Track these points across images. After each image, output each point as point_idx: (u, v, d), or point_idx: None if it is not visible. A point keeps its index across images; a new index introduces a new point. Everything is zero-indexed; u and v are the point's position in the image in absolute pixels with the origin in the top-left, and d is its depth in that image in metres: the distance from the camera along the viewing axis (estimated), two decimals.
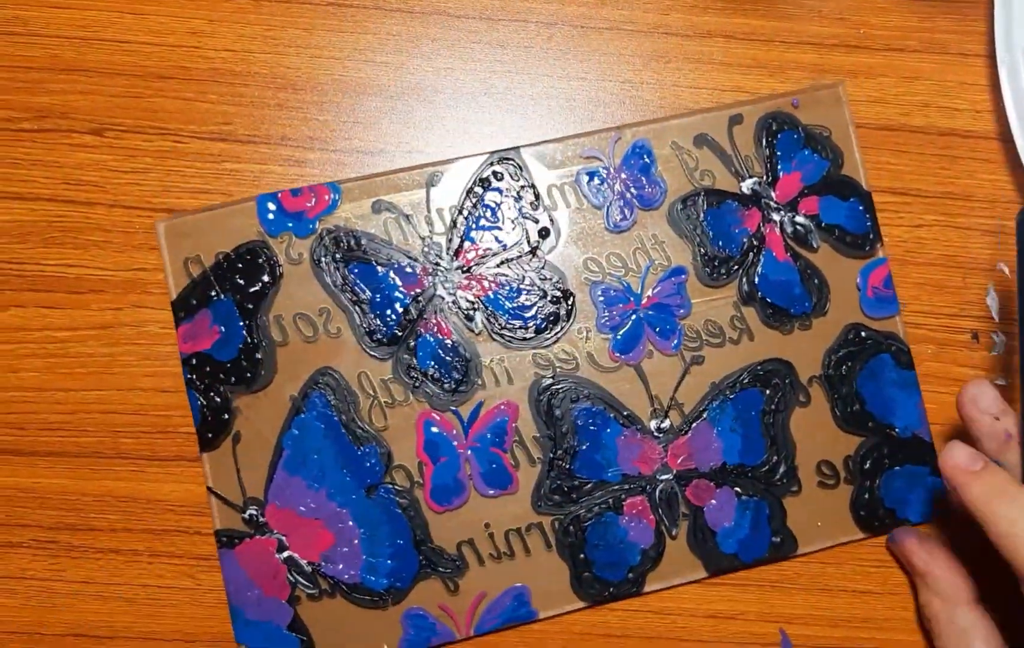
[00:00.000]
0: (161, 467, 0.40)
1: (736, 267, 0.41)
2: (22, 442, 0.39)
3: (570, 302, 0.41)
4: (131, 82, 0.41)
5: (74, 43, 0.41)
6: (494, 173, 0.41)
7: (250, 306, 0.39)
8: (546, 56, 0.42)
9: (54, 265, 0.40)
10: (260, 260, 0.40)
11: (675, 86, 0.42)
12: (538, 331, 0.40)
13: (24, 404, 0.39)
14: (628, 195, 0.41)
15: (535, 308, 0.40)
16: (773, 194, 0.42)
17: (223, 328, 0.39)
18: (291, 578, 0.39)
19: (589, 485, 0.40)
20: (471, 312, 0.40)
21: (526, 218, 0.41)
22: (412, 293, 0.40)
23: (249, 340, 0.39)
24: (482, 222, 0.41)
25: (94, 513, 0.39)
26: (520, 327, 0.40)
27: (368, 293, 0.40)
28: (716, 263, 0.41)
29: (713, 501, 0.40)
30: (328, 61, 0.42)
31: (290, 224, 0.40)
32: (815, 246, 0.42)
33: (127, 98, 0.41)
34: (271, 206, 0.40)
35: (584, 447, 0.40)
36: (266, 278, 0.39)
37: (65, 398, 0.39)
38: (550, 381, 0.40)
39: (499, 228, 0.41)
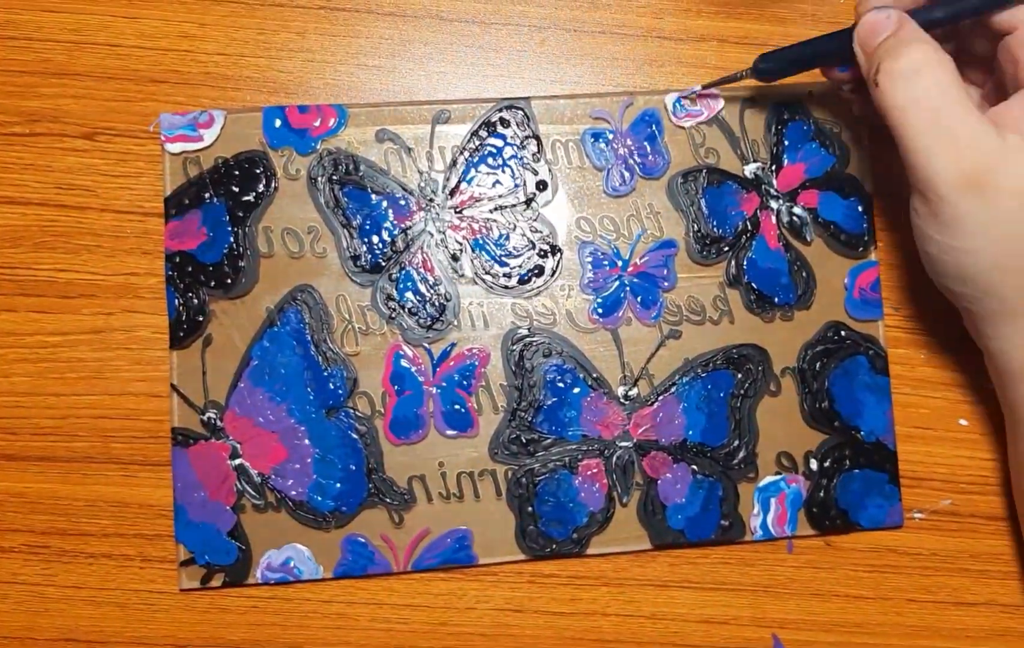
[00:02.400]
0: (153, 472, 0.39)
1: (727, 248, 0.41)
2: (13, 447, 0.39)
3: (557, 258, 0.41)
4: (123, 86, 0.41)
5: (66, 47, 0.41)
6: (501, 119, 0.41)
7: (241, 214, 0.40)
8: (539, 60, 0.42)
9: (45, 270, 0.40)
10: (258, 170, 0.40)
11: (668, 90, 0.42)
12: (521, 281, 0.41)
13: (15, 409, 0.39)
14: (631, 161, 0.41)
15: (522, 258, 0.41)
16: (775, 181, 0.42)
17: (211, 232, 0.40)
18: (239, 486, 0.39)
19: (548, 441, 0.40)
20: (457, 252, 0.40)
21: (526, 168, 0.41)
22: (402, 225, 0.40)
23: (235, 246, 0.40)
24: (482, 166, 0.41)
25: (85, 518, 0.39)
26: (504, 274, 0.40)
27: (359, 218, 0.40)
28: (708, 241, 0.41)
29: (668, 475, 0.40)
30: (320, 65, 0.41)
31: (292, 140, 0.40)
32: (808, 239, 0.42)
33: (119, 102, 0.41)
34: (277, 119, 0.40)
35: (549, 403, 0.40)
36: (261, 189, 0.40)
37: (56, 403, 0.39)
38: (525, 333, 0.40)
39: (498, 174, 0.41)
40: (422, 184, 0.41)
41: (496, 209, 0.41)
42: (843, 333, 0.41)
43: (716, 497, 0.40)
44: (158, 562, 0.39)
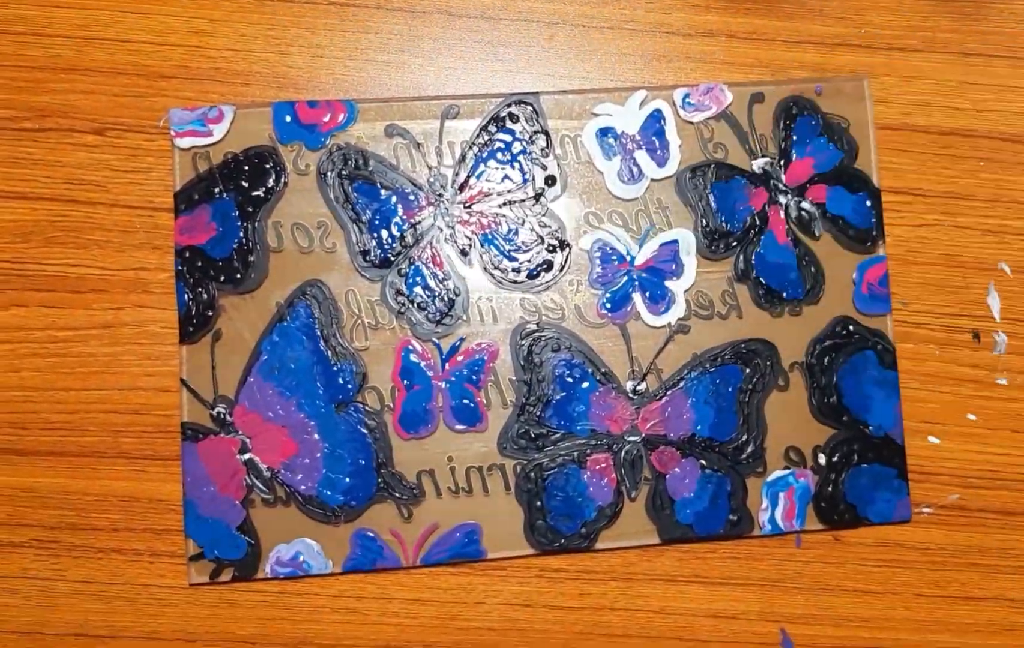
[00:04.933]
0: (163, 466, 0.40)
1: (735, 243, 0.41)
2: (24, 441, 0.39)
3: (566, 253, 0.41)
4: (133, 81, 0.41)
5: (76, 42, 0.41)
6: (510, 115, 0.41)
7: (250, 209, 0.40)
8: (548, 56, 0.42)
9: (56, 265, 0.40)
10: (268, 165, 0.40)
11: (677, 85, 0.42)
12: (530, 276, 0.41)
13: (26, 404, 0.39)
14: (639, 156, 0.41)
15: (530, 253, 0.41)
16: (783, 176, 0.42)
17: (220, 227, 0.40)
18: (248, 481, 0.39)
19: (557, 435, 0.40)
20: (467, 247, 0.40)
21: (535, 163, 0.41)
22: (411, 220, 0.40)
23: (244, 241, 0.40)
24: (491, 161, 0.41)
25: (95, 513, 0.39)
26: (513, 269, 0.41)
27: (368, 213, 0.40)
28: (716, 236, 0.41)
29: (677, 470, 0.40)
30: (330, 60, 0.42)
31: (302, 135, 0.40)
32: (817, 234, 0.42)
33: (129, 97, 0.41)
34: (286, 115, 0.40)
35: (558, 397, 0.40)
36: (271, 183, 0.40)
37: (66, 398, 0.39)
38: (534, 327, 0.40)
39: (507, 169, 0.41)
40: (431, 179, 0.41)
41: (505, 204, 0.41)
42: (851, 328, 0.41)
43: (724, 492, 0.40)
44: (168, 557, 0.39)
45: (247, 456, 0.39)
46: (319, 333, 0.40)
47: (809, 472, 0.41)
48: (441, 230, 0.41)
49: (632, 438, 0.40)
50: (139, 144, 0.41)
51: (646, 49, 0.43)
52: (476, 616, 0.40)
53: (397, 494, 0.40)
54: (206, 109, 0.40)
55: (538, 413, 0.40)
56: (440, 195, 0.41)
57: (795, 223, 0.42)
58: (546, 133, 0.41)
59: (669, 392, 0.41)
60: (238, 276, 0.40)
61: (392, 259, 0.40)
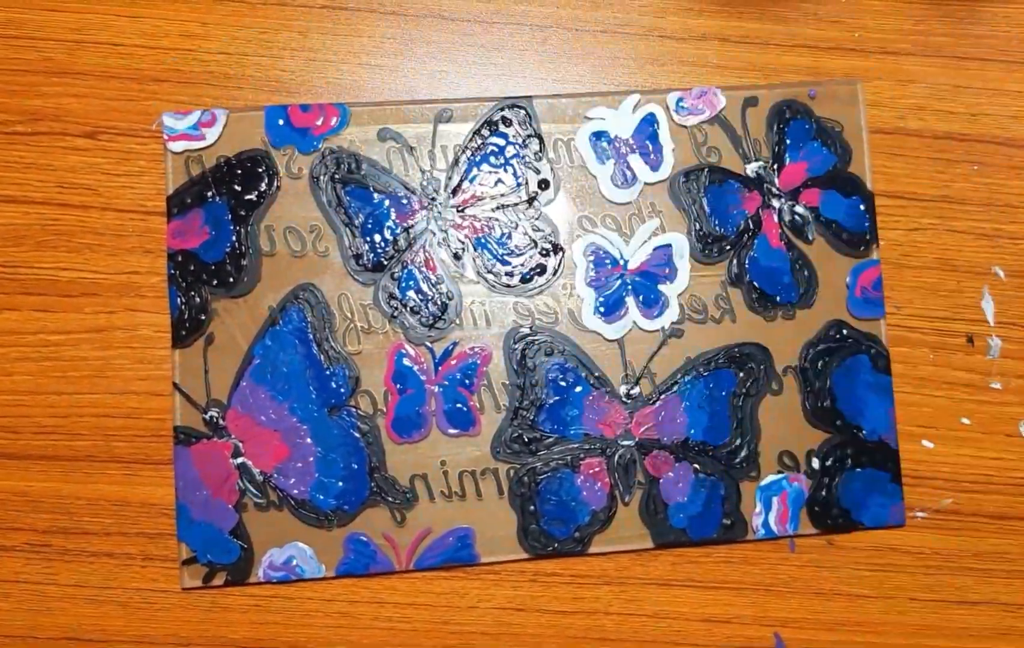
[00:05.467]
0: (155, 470, 0.39)
1: (729, 247, 0.41)
2: (15, 446, 0.39)
3: (559, 257, 0.41)
4: (125, 85, 0.41)
5: (68, 46, 0.41)
6: (503, 118, 0.41)
7: (243, 213, 0.40)
8: (540, 59, 0.42)
9: (48, 268, 0.40)
10: (260, 169, 0.40)
11: (670, 89, 0.42)
12: (523, 280, 0.41)
13: (18, 407, 0.39)
14: (632, 160, 0.41)
15: (524, 257, 0.41)
16: (776, 180, 0.42)
17: (213, 231, 0.40)
18: (241, 485, 0.39)
19: (550, 439, 0.40)
20: (460, 251, 0.40)
21: (528, 167, 0.41)
22: (404, 224, 0.40)
23: (237, 245, 0.40)
24: (484, 165, 0.41)
25: (87, 517, 0.39)
26: (506, 273, 0.40)
27: (361, 217, 0.40)
28: (710, 240, 0.41)
29: (670, 474, 0.40)
30: (322, 64, 0.41)
31: (295, 138, 0.40)
32: (810, 238, 0.42)
33: (121, 101, 0.41)
34: (279, 118, 0.40)
35: (551, 401, 0.40)
36: (263, 187, 0.40)
37: (58, 401, 0.39)
38: (527, 331, 0.40)
39: (500, 173, 0.41)
40: (424, 183, 0.41)
41: (498, 208, 0.41)
42: (845, 332, 0.41)
43: (718, 496, 0.40)
44: (160, 561, 0.39)
45: (240, 460, 0.39)
46: (312, 337, 0.40)
47: (803, 476, 0.41)
48: (434, 234, 0.41)
49: (625, 442, 0.40)
50: (131, 148, 0.40)
51: (639, 53, 0.43)
52: (469, 620, 0.40)
53: (390, 498, 0.39)
54: (199, 113, 0.40)
55: (531, 417, 0.40)
56: (433, 199, 0.41)
57: (788, 227, 0.42)
58: (539, 137, 0.41)
59: (663, 396, 0.41)
60: (231, 280, 0.40)
61: (385, 263, 0.40)
